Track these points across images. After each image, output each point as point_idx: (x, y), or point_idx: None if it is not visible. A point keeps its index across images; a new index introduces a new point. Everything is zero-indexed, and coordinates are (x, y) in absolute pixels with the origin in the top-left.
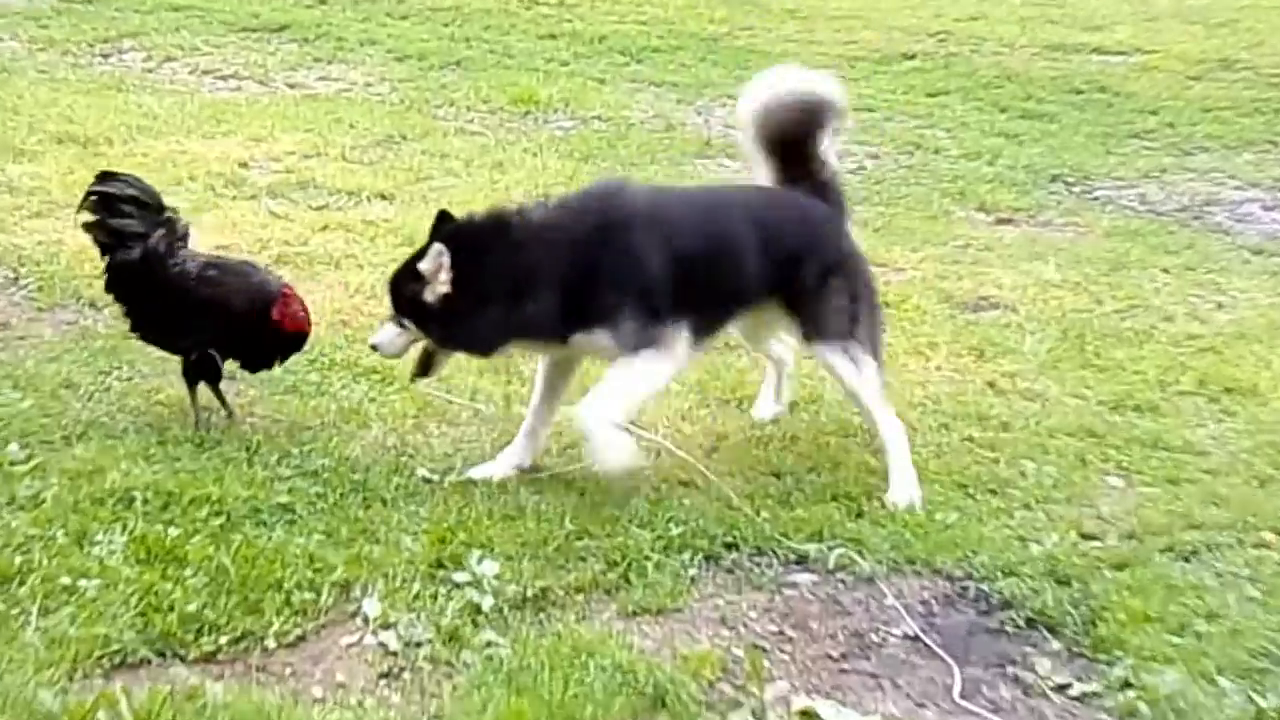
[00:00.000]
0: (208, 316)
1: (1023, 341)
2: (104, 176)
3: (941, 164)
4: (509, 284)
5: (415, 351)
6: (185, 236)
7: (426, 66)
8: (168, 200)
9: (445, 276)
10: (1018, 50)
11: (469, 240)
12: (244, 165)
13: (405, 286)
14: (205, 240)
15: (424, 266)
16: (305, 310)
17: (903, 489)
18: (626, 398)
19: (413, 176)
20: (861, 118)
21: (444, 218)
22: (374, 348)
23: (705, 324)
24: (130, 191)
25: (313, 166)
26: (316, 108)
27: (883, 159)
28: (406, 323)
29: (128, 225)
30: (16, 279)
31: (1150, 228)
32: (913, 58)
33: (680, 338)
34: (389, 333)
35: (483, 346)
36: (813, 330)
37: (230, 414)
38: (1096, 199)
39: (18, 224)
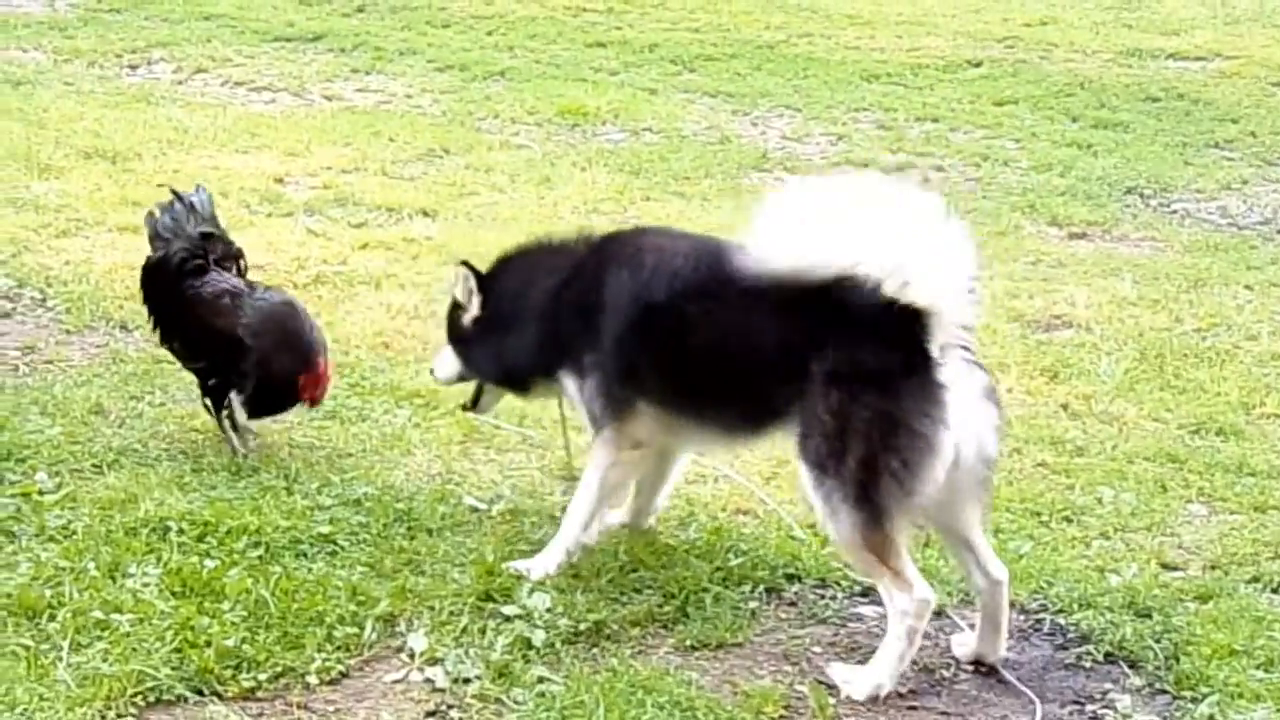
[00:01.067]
0: (221, 349)
1: (1098, 362)
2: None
3: (1011, 176)
4: (532, 313)
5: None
6: (229, 260)
7: (469, 77)
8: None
9: (475, 301)
10: (1090, 56)
11: (505, 266)
12: (280, 181)
13: (452, 311)
14: None
15: (456, 291)
16: (329, 381)
17: (870, 674)
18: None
19: (456, 192)
20: (926, 129)
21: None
22: (431, 371)
23: None
24: (192, 199)
25: (351, 182)
26: (355, 121)
27: (949, 172)
28: (449, 348)
29: (163, 227)
30: (44, 300)
31: (1231, 242)
32: (979, 65)
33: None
34: (445, 358)
35: (516, 376)
36: None
37: (233, 450)
38: (1174, 212)
39: (44, 243)
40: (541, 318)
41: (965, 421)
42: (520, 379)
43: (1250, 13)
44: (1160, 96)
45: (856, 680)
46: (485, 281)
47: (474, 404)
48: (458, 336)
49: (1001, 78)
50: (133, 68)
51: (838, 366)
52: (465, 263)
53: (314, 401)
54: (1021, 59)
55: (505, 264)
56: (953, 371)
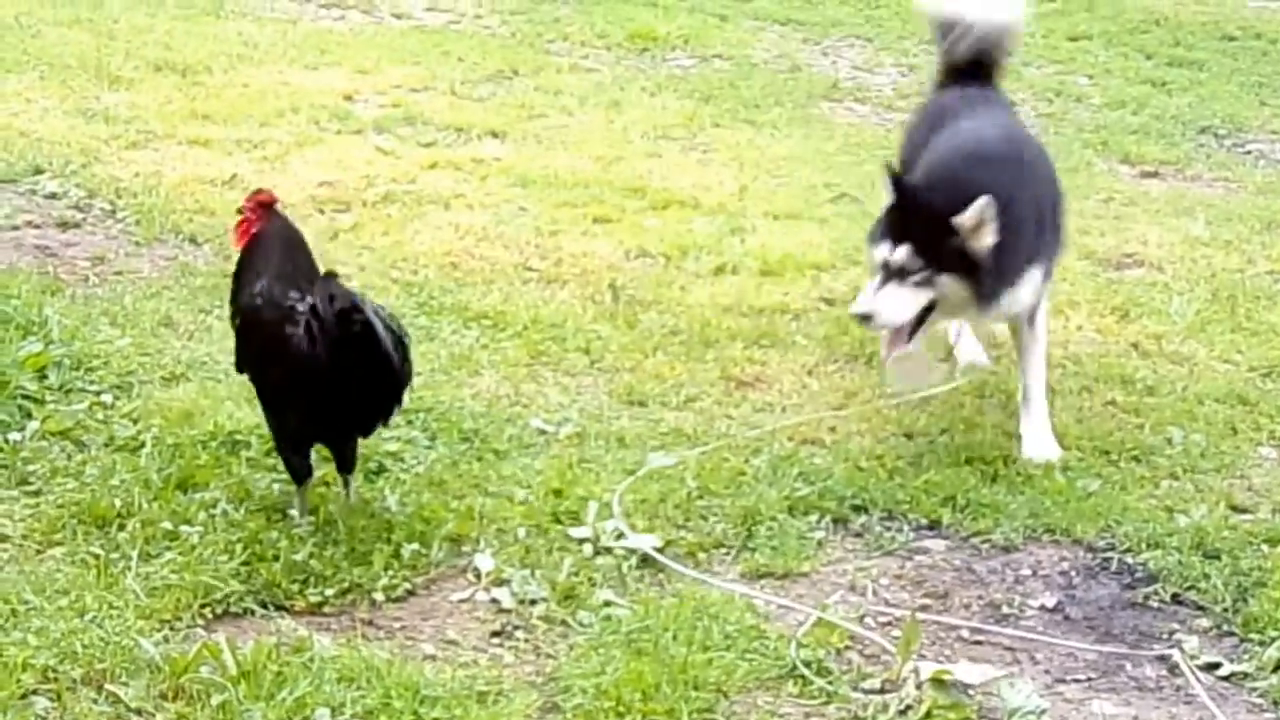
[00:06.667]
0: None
1: (1169, 302)
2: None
3: (1083, 113)
4: (1019, 230)
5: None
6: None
7: None
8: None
9: (993, 226)
10: None
11: (994, 188)
12: (349, 98)
13: (944, 240)
14: (310, 175)
15: (966, 219)
16: None
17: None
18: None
19: (524, 114)
20: None
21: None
22: (864, 318)
23: None
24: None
25: (420, 101)
26: (424, 40)
27: (1020, 106)
28: (950, 279)
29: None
30: (114, 211)
31: None
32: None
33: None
34: (897, 295)
35: (1003, 296)
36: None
37: None
38: (1249, 153)
39: (114, 154)
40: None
41: None
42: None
43: None
44: (1237, 35)
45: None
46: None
47: (911, 336)
48: (965, 265)
49: (1076, 13)
50: None
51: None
52: (987, 192)
53: None
54: None
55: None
56: None
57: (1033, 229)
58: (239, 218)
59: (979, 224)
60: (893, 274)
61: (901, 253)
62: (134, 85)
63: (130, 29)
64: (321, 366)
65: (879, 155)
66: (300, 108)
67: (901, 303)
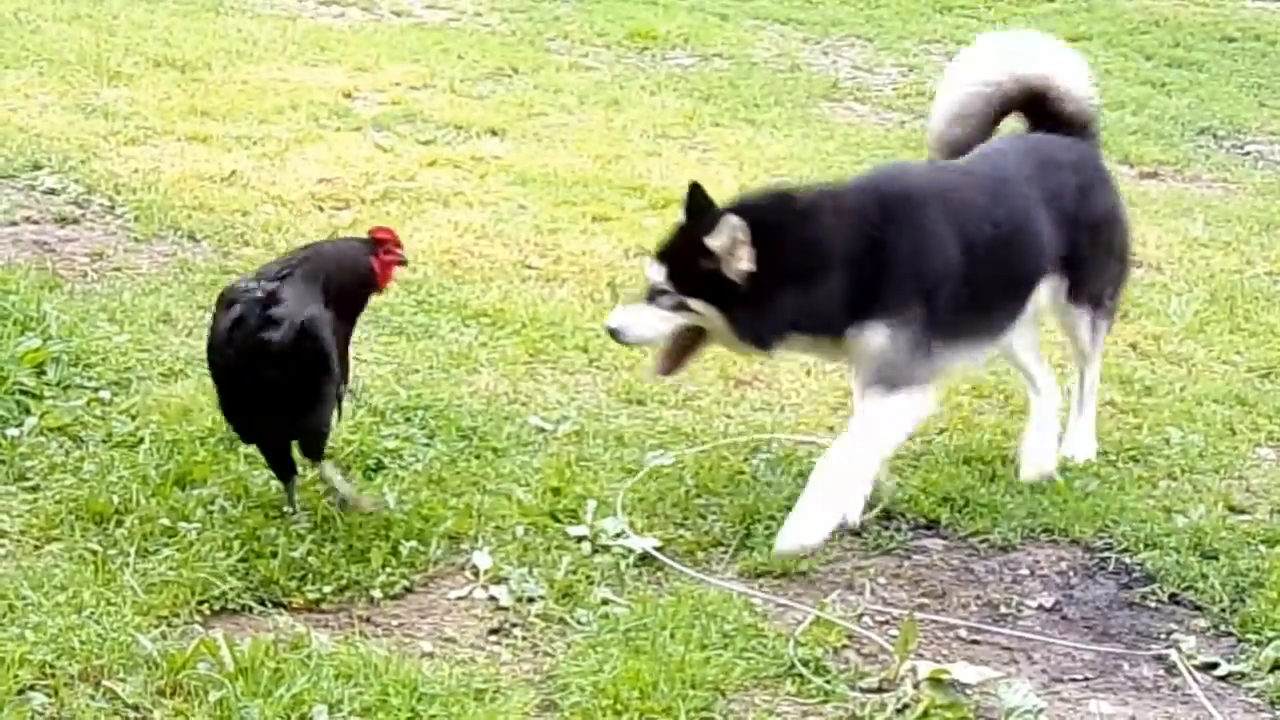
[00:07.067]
0: None
1: (1168, 302)
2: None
3: None
4: (808, 265)
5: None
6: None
7: None
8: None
9: (746, 253)
10: None
11: (762, 214)
12: (348, 95)
13: (695, 263)
14: (309, 172)
15: (716, 242)
16: None
17: (1084, 442)
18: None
19: (524, 112)
20: None
21: (697, 189)
22: (614, 333)
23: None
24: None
25: (420, 99)
26: (423, 37)
27: None
28: (699, 305)
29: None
30: (112, 207)
31: None
32: (1053, 0)
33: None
34: (648, 315)
35: (771, 335)
36: (1074, 293)
37: None
38: (1248, 154)
39: (113, 150)
40: (846, 269)
41: None
42: (785, 335)
43: None
44: (1236, 37)
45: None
46: (755, 233)
47: (675, 364)
48: (715, 290)
49: (1075, 13)
50: None
51: (1094, 211)
52: (736, 210)
53: None
54: None
55: (764, 212)
56: None
57: (854, 277)
58: (389, 257)
59: (730, 247)
60: (652, 293)
61: (656, 272)
62: (133, 81)
63: (130, 25)
64: (228, 361)
65: (878, 155)
66: (300, 104)
67: (650, 324)
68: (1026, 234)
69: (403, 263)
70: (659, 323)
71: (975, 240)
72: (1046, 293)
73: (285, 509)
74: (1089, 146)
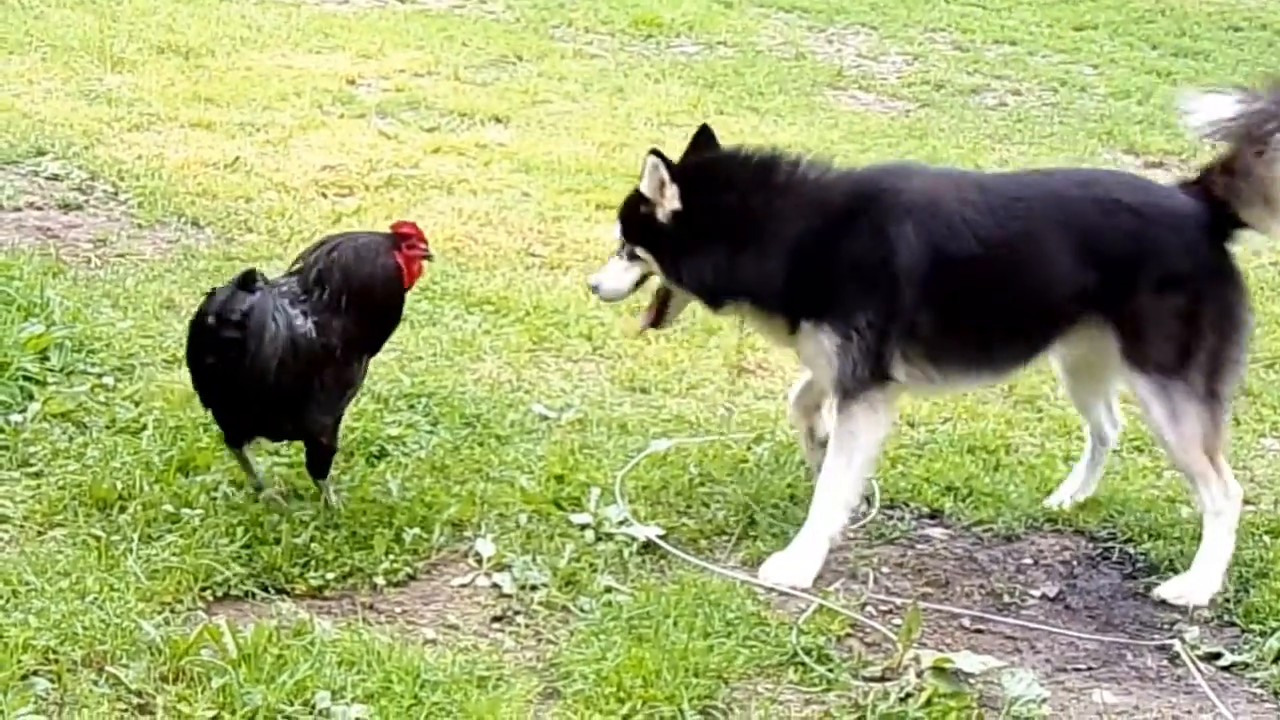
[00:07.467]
0: None
1: None
2: None
3: (1088, 103)
4: (739, 222)
5: (644, 300)
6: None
7: None
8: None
9: (671, 192)
10: None
11: (718, 168)
12: (352, 82)
13: (635, 209)
14: (312, 159)
15: (644, 185)
16: None
17: (1201, 582)
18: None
19: (528, 99)
20: (1004, 51)
21: (705, 132)
22: (594, 289)
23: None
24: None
25: (424, 86)
26: (428, 24)
27: (1025, 96)
28: (640, 252)
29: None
30: (116, 193)
31: None
32: None
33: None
34: (614, 268)
35: (712, 289)
36: (1131, 354)
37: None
38: None
39: (117, 136)
40: (791, 251)
41: None
42: (727, 295)
43: None
44: (1243, 26)
45: (1192, 589)
46: (689, 175)
47: (658, 319)
48: (649, 234)
49: (1081, 2)
50: None
51: (1163, 266)
52: (655, 151)
53: None
54: None
55: (729, 162)
56: None
57: (801, 263)
58: (413, 253)
59: (656, 187)
60: (619, 249)
61: (616, 228)
62: (137, 67)
63: (133, 11)
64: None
65: (882, 143)
66: (303, 91)
67: (617, 276)
68: (1032, 262)
69: (428, 258)
70: (623, 274)
71: (954, 257)
72: (1086, 342)
73: (284, 500)
74: (1190, 203)
